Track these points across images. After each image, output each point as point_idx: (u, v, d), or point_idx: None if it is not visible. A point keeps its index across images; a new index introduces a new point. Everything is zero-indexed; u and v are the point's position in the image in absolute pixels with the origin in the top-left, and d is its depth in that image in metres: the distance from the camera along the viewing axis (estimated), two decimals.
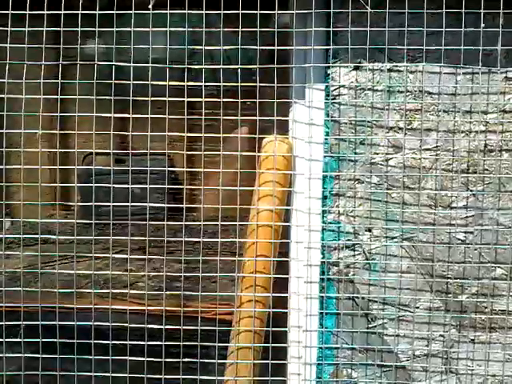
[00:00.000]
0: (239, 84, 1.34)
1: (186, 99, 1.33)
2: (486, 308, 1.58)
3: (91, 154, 1.65)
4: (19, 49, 1.39)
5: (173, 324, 1.52)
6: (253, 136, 1.38)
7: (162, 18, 1.38)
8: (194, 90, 1.40)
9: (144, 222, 1.45)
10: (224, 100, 1.33)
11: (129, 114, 1.39)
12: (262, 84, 1.32)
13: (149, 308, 1.48)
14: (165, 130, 1.41)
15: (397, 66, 1.50)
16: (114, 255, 1.45)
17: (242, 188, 1.40)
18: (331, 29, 1.43)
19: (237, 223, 1.40)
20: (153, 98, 1.37)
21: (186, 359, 1.44)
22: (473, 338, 1.60)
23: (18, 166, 1.42)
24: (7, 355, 1.46)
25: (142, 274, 1.56)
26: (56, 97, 1.42)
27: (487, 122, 1.51)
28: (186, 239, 1.39)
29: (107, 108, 1.42)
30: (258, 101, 1.34)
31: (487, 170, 1.53)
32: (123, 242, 1.53)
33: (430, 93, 1.51)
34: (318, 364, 1.61)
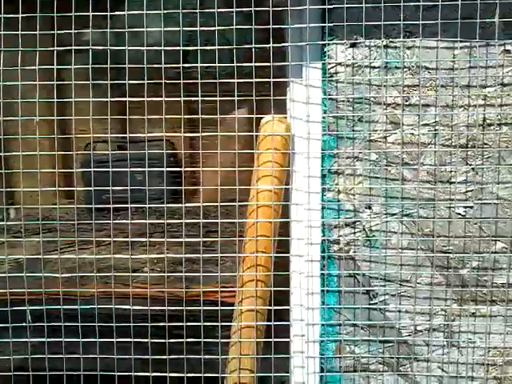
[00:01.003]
0: (235, 65, 1.33)
1: (181, 81, 1.33)
2: (486, 282, 1.60)
3: (93, 141, 1.66)
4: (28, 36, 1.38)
5: (177, 307, 1.53)
6: (250, 116, 1.38)
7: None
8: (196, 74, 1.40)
9: (144, 205, 1.46)
10: (221, 81, 1.32)
11: (136, 100, 1.38)
12: (257, 64, 1.31)
13: (151, 291, 1.49)
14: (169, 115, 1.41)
15: (393, 42, 1.49)
16: (115, 239, 1.45)
17: (240, 169, 1.40)
18: (326, 6, 1.42)
19: (236, 204, 1.40)
20: (148, 81, 1.36)
21: (190, 339, 1.45)
22: (474, 311, 1.61)
23: (17, 153, 1.42)
24: (14, 340, 1.47)
25: (144, 256, 1.57)
26: (52, 83, 1.42)
27: (486, 96, 1.51)
28: (186, 221, 1.39)
29: (113, 95, 1.42)
30: (254, 81, 1.33)
31: (486, 144, 1.53)
32: (127, 229, 1.54)
33: (427, 68, 1.50)
34: (321, 341, 1.63)
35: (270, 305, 1.54)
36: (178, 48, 1.39)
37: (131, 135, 1.57)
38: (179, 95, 1.39)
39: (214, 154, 1.43)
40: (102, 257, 1.60)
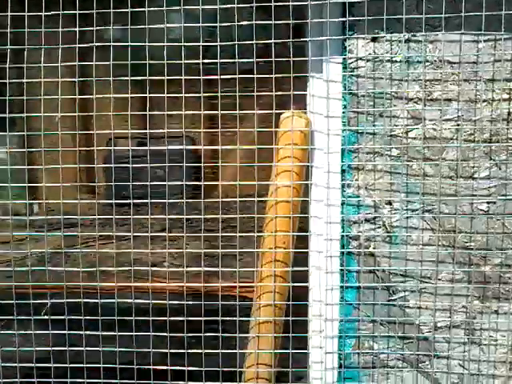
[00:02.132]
0: (254, 60, 1.33)
1: (201, 77, 1.33)
2: (509, 278, 1.57)
3: (115, 137, 1.68)
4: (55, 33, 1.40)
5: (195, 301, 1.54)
6: (270, 112, 1.37)
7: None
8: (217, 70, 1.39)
9: (163, 201, 1.47)
10: (240, 76, 1.32)
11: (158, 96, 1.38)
12: (277, 59, 1.30)
13: (170, 285, 1.50)
14: (188, 116, 1.41)
15: (415, 36, 1.46)
16: (135, 234, 1.47)
17: (259, 164, 1.40)
18: (347, 0, 1.40)
19: (255, 199, 1.40)
20: (168, 77, 1.37)
21: (208, 334, 1.46)
22: (496, 308, 1.59)
23: (40, 149, 1.44)
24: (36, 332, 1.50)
25: (163, 251, 1.58)
26: (74, 79, 1.43)
27: (510, 90, 1.47)
28: (206, 216, 1.40)
29: (135, 91, 1.43)
30: (274, 76, 1.33)
31: (510, 138, 1.50)
32: (148, 223, 1.55)
33: (450, 62, 1.48)
34: (340, 337, 1.62)
35: (289, 300, 1.54)
36: (197, 44, 1.39)
37: (152, 131, 1.58)
38: (198, 91, 1.39)
39: (234, 150, 1.43)
40: (121, 251, 1.61)
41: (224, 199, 1.40)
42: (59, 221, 1.53)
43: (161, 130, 1.46)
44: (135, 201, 1.41)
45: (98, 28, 1.38)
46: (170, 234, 1.45)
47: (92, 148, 1.53)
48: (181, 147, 1.52)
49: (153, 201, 1.39)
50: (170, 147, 1.46)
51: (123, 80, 1.41)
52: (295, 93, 1.39)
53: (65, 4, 1.40)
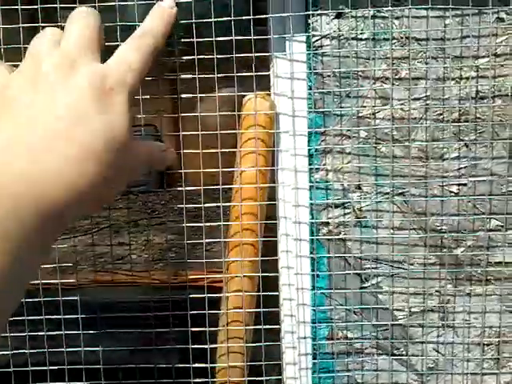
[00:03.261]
0: (213, 39, 1.26)
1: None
2: (481, 261, 1.54)
3: None
4: None
5: (164, 294, 1.48)
6: (232, 94, 1.30)
7: None
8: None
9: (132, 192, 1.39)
10: (199, 57, 1.24)
11: None
12: (237, 37, 1.23)
13: (138, 280, 1.44)
14: (152, 102, 1.33)
15: (381, 12, 1.41)
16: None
17: (223, 150, 1.33)
18: None
19: (220, 187, 1.34)
20: None
21: (176, 328, 1.40)
22: (469, 291, 1.56)
23: None
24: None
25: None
26: None
27: (478, 68, 1.44)
28: (190, 205, 1.33)
29: None
30: (234, 56, 1.26)
31: (479, 118, 1.47)
32: (113, 216, 1.48)
33: (417, 39, 1.43)
34: (313, 324, 1.58)
35: (259, 289, 1.48)
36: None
37: None
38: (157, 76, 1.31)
39: (196, 138, 1.36)
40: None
41: (188, 188, 1.32)
42: None
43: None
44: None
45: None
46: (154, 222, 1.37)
47: None
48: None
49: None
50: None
51: None
52: (258, 74, 1.32)
53: None
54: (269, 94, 1.46)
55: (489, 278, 1.55)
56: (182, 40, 1.28)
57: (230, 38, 1.26)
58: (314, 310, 1.56)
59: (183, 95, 1.32)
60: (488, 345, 1.59)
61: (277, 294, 1.55)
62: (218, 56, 1.27)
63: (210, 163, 1.36)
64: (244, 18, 1.27)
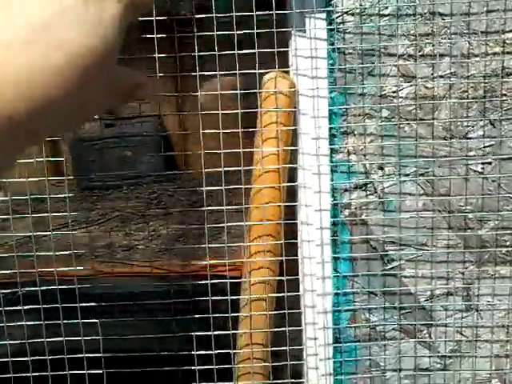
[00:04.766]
0: (233, 14, 1.21)
1: (176, 35, 1.20)
2: (506, 241, 1.51)
3: None
4: None
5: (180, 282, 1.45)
6: (252, 71, 1.26)
7: None
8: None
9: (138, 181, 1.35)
10: (218, 33, 1.20)
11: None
12: (258, 12, 1.19)
13: (155, 270, 1.41)
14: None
15: None
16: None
17: (242, 130, 1.29)
18: None
19: (241, 168, 1.30)
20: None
21: (197, 316, 1.37)
22: (493, 272, 1.53)
23: None
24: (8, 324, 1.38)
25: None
26: None
27: (505, 42, 1.39)
28: (190, 189, 1.29)
29: None
30: (255, 31, 1.21)
31: (505, 94, 1.42)
32: (120, 207, 1.45)
33: (441, 14, 1.38)
34: (334, 311, 1.55)
35: (281, 275, 1.45)
36: None
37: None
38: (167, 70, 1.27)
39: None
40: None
41: (207, 170, 1.28)
42: (24, 207, 1.41)
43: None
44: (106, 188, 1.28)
45: None
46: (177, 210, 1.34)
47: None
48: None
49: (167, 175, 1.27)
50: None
51: None
52: (278, 50, 1.27)
53: None
54: (287, 73, 1.42)
55: None
56: (201, 16, 1.24)
57: (251, 13, 1.21)
58: (336, 294, 1.53)
59: (200, 72, 1.28)
60: None
61: (297, 277, 1.52)
62: (238, 32, 1.22)
63: (216, 152, 1.32)
64: None
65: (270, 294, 1.38)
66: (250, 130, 1.35)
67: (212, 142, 1.36)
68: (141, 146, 1.46)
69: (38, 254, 1.26)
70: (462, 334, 1.58)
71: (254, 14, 1.18)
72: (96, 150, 1.41)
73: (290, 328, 1.41)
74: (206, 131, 1.28)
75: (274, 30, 1.21)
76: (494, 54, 1.40)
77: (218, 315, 1.32)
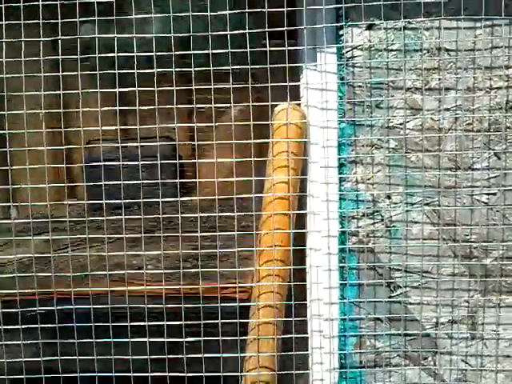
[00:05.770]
0: (248, 50, 1.27)
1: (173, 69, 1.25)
2: (511, 271, 1.54)
3: (94, 140, 1.61)
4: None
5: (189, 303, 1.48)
6: (265, 104, 1.32)
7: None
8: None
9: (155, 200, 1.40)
10: (233, 68, 1.26)
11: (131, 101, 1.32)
12: (272, 48, 1.25)
13: (167, 288, 1.44)
14: (168, 116, 1.35)
15: (411, 23, 1.42)
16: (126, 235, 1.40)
17: (255, 159, 1.34)
18: None
19: (253, 195, 1.35)
20: (158, 70, 1.30)
21: (207, 338, 1.40)
22: (498, 302, 1.56)
23: (22, 149, 1.36)
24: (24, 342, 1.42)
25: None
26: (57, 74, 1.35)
27: (508, 77, 1.44)
28: (201, 215, 1.33)
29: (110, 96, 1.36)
30: (268, 66, 1.27)
31: (509, 127, 1.47)
32: (132, 226, 1.49)
33: (447, 50, 1.44)
34: (340, 336, 1.57)
35: (289, 300, 1.48)
36: (186, 34, 1.33)
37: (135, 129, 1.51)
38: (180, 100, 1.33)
39: (217, 148, 1.37)
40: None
41: (220, 197, 1.33)
42: (39, 226, 1.46)
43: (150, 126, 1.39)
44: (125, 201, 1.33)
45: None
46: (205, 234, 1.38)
47: (76, 147, 1.45)
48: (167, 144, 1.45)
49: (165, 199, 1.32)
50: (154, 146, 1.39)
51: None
52: (290, 84, 1.33)
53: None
54: (299, 104, 1.47)
55: None
56: (214, 51, 1.30)
57: (266, 48, 1.27)
58: (343, 320, 1.56)
59: (217, 105, 1.34)
60: None
61: (305, 302, 1.55)
62: (253, 67, 1.28)
63: (227, 176, 1.36)
64: (279, 29, 1.29)
65: (277, 319, 1.41)
66: (262, 159, 1.40)
67: (222, 164, 1.40)
68: (153, 167, 1.51)
69: (55, 274, 1.31)
70: (466, 362, 1.60)
71: (267, 49, 1.23)
72: (109, 170, 1.47)
73: (297, 353, 1.44)
74: (220, 160, 1.33)
75: (287, 64, 1.27)
76: (498, 88, 1.45)
77: (226, 338, 1.36)
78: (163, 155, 1.53)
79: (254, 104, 1.31)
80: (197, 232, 1.44)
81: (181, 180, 1.36)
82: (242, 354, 1.42)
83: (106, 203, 1.42)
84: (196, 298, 1.48)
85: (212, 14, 1.32)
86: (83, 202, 1.41)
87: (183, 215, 1.34)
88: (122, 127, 1.48)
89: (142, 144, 1.40)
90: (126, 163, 1.41)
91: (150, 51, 1.32)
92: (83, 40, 1.34)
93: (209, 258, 1.76)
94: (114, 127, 1.40)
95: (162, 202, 1.46)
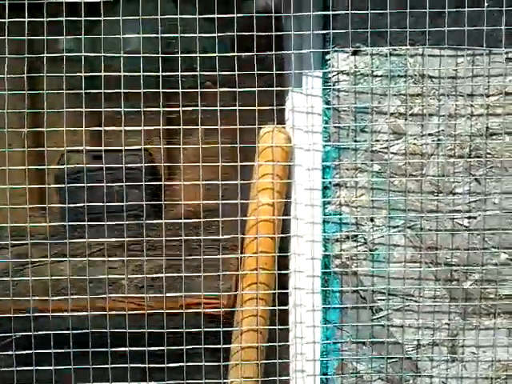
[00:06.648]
0: (236, 73, 1.27)
1: (161, 90, 1.25)
2: (490, 294, 1.56)
3: (67, 152, 1.58)
4: None
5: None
6: (252, 127, 1.31)
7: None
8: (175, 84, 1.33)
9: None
10: (222, 90, 1.25)
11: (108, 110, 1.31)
12: (260, 71, 1.25)
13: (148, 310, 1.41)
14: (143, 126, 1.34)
15: (396, 50, 1.44)
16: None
17: (243, 182, 1.33)
18: (330, 12, 1.36)
19: (238, 218, 1.34)
20: (126, 91, 1.29)
21: (190, 363, 1.38)
22: (478, 324, 1.57)
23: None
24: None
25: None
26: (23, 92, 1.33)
27: (489, 105, 1.48)
28: (186, 238, 1.32)
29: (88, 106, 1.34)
30: (256, 89, 1.27)
31: (489, 153, 1.50)
32: (104, 241, 1.46)
33: (430, 76, 1.46)
34: (322, 359, 1.57)
35: (271, 323, 1.47)
36: (157, 55, 1.32)
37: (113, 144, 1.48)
38: (159, 105, 1.32)
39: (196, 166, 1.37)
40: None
41: (206, 219, 1.32)
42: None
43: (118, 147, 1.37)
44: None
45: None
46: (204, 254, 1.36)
47: (67, 165, 1.42)
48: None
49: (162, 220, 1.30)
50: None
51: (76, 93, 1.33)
52: (277, 107, 1.34)
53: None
54: (285, 127, 1.48)
55: (498, 311, 1.56)
56: (205, 73, 1.29)
57: (253, 72, 1.27)
58: (325, 343, 1.55)
59: (204, 126, 1.33)
60: (497, 378, 1.60)
61: (287, 327, 1.54)
62: (240, 90, 1.28)
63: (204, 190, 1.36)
64: (266, 53, 1.29)
65: (260, 344, 1.40)
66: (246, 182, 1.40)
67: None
68: (128, 179, 1.49)
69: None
70: None
71: (255, 72, 1.24)
72: (82, 182, 1.44)
73: (280, 378, 1.43)
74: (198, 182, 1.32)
75: (274, 88, 1.27)
76: (479, 115, 1.48)
77: (209, 363, 1.34)
78: (139, 169, 1.52)
79: (242, 126, 1.30)
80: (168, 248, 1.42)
81: (164, 202, 1.34)
82: (225, 381, 1.40)
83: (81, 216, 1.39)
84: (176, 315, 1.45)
85: (202, 35, 1.32)
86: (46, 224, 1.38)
87: (167, 238, 1.32)
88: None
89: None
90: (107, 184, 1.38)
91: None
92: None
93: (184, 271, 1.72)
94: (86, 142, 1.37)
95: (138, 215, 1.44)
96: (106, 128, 1.35)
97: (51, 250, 1.50)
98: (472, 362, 1.59)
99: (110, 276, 1.47)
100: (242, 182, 1.33)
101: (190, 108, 1.29)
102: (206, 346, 1.35)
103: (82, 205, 1.37)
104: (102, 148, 1.42)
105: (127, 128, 1.33)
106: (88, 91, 1.32)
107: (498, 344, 1.58)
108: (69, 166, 1.53)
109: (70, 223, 1.48)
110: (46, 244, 1.47)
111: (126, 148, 1.39)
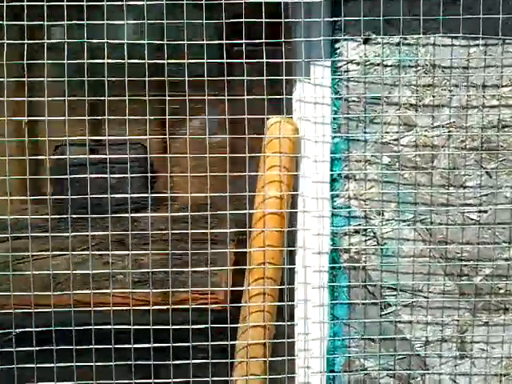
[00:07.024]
0: (244, 61, 1.23)
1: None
2: (500, 289, 1.53)
3: (63, 144, 1.54)
4: None
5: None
6: (260, 117, 1.28)
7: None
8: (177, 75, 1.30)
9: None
10: (228, 78, 1.22)
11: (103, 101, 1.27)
12: (269, 60, 1.21)
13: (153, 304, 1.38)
14: (141, 120, 1.30)
15: (407, 39, 1.41)
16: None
17: (250, 173, 1.30)
18: None
19: (246, 211, 1.30)
20: (129, 79, 1.25)
21: (197, 361, 1.34)
22: (487, 320, 1.55)
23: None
24: None
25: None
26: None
27: (501, 96, 1.44)
28: (193, 231, 1.28)
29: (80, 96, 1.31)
30: (265, 78, 1.23)
31: (501, 146, 1.47)
32: (100, 235, 1.43)
33: (441, 67, 1.43)
34: (328, 356, 1.53)
35: (279, 319, 1.44)
36: (160, 42, 1.28)
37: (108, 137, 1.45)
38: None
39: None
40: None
41: (213, 213, 1.28)
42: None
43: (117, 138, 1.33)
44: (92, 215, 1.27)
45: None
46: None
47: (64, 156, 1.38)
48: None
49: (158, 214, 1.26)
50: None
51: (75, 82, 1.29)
52: (286, 97, 1.30)
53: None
54: (291, 118, 1.44)
55: (508, 306, 1.54)
56: (210, 61, 1.26)
57: (261, 60, 1.23)
58: (333, 339, 1.52)
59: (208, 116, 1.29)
60: (506, 375, 1.57)
61: (293, 323, 1.51)
62: (249, 78, 1.24)
63: (198, 183, 1.33)
64: (274, 40, 1.26)
65: (267, 340, 1.37)
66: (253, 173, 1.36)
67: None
68: (124, 172, 1.45)
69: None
70: (455, 381, 1.58)
71: (264, 61, 1.20)
72: (78, 175, 1.41)
73: (287, 375, 1.40)
74: (194, 174, 1.28)
75: (283, 77, 1.23)
76: (491, 106, 1.44)
77: (216, 361, 1.30)
78: (134, 161, 1.49)
79: (250, 116, 1.27)
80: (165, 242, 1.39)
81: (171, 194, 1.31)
82: (231, 378, 1.37)
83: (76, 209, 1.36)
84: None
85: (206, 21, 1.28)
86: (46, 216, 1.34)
87: (171, 231, 1.28)
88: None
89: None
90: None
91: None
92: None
93: (182, 266, 1.69)
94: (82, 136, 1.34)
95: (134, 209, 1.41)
96: (107, 117, 1.30)
97: (41, 243, 1.47)
98: (481, 359, 1.56)
99: (110, 271, 1.42)
100: (251, 173, 1.29)
101: (196, 98, 1.25)
102: (212, 343, 1.32)
103: (65, 197, 1.33)
104: (104, 138, 1.38)
105: (129, 117, 1.29)
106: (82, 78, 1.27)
107: (507, 340, 1.55)
108: (62, 157, 1.49)
109: (56, 216, 1.43)
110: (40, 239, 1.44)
111: (122, 141, 1.36)
